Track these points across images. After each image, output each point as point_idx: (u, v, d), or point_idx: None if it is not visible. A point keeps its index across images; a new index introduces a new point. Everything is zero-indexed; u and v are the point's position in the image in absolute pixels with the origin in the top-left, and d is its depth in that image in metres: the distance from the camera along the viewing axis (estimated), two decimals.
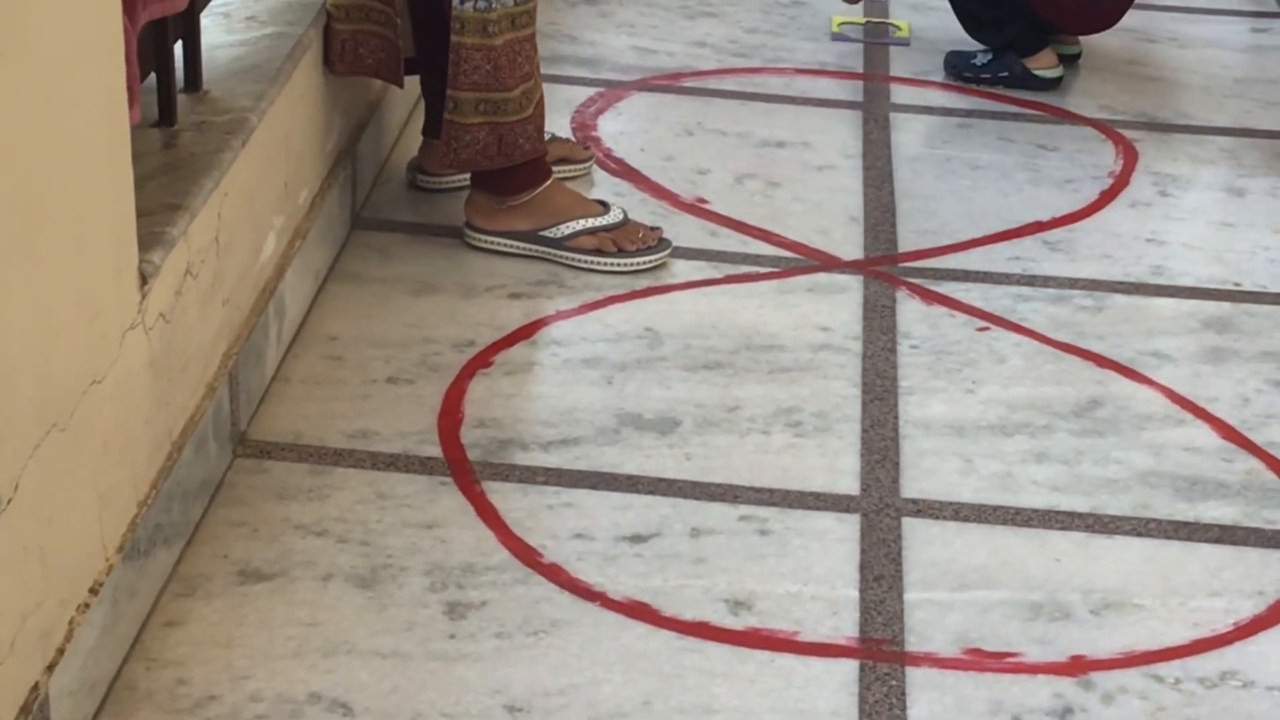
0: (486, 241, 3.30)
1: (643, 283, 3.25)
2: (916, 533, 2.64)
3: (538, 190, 3.27)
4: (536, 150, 3.24)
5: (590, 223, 3.27)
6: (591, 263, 3.26)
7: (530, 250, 3.28)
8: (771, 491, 2.70)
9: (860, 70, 4.26)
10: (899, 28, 4.44)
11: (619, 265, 3.26)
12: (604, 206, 3.32)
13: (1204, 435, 2.92)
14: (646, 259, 3.27)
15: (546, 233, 3.27)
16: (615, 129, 3.86)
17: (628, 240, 3.27)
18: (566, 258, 3.27)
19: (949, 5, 4.29)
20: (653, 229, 3.32)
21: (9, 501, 1.88)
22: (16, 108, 1.85)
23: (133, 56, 2.26)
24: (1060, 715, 2.31)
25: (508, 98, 3.16)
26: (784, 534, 2.61)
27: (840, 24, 4.48)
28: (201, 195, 2.46)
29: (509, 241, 3.29)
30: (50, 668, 2.02)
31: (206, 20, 2.88)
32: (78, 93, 2.02)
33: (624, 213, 3.32)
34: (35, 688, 1.98)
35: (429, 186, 3.51)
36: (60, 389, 2.01)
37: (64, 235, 2.00)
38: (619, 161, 3.72)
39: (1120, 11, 4.20)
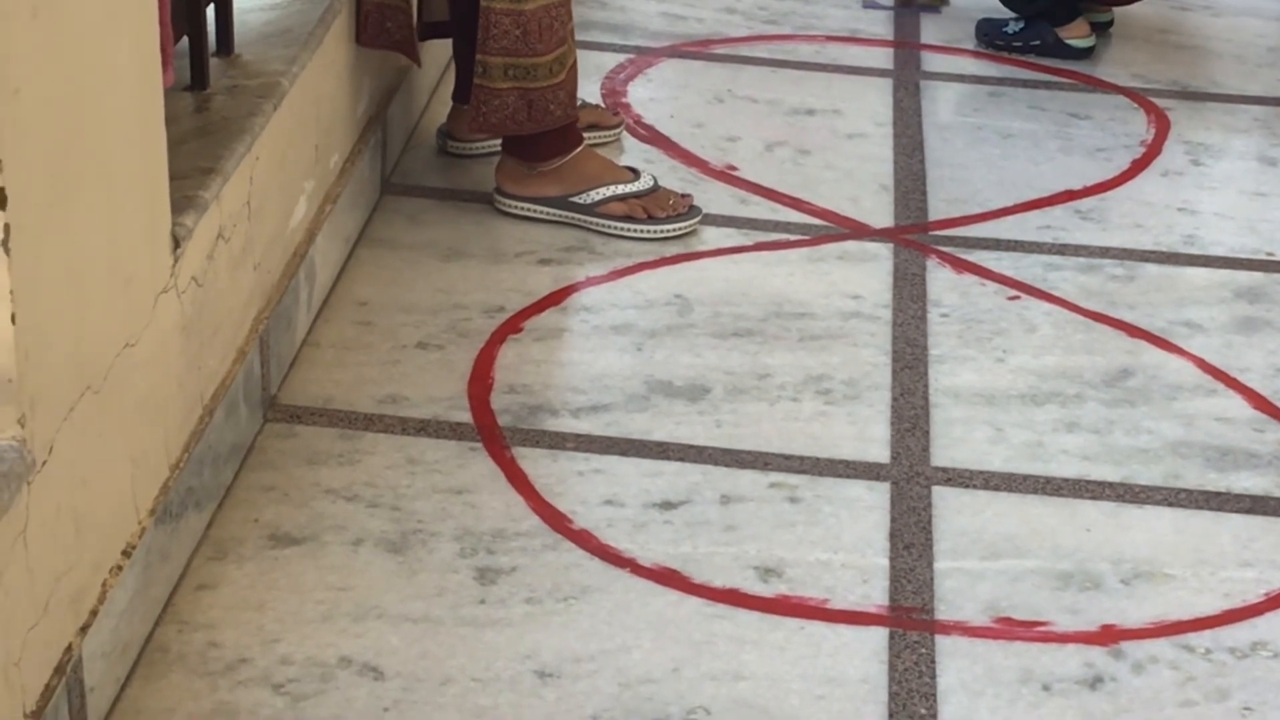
0: (516, 207, 3.30)
1: (672, 250, 3.24)
2: (946, 501, 2.63)
3: (568, 156, 3.27)
4: (568, 116, 3.24)
5: (620, 189, 3.27)
6: (621, 229, 3.26)
7: (560, 216, 3.28)
8: (801, 459, 2.70)
9: (891, 38, 4.24)
10: None
11: (648, 232, 3.25)
12: (634, 173, 3.32)
13: (1235, 405, 2.91)
14: (677, 225, 3.27)
15: (576, 199, 3.27)
16: (645, 95, 3.85)
17: (658, 207, 3.27)
18: (596, 223, 3.26)
19: None
20: (683, 196, 3.32)
21: (43, 464, 1.88)
22: (51, 71, 1.85)
23: (166, 20, 2.26)
24: (1090, 684, 2.31)
25: (537, 63, 3.15)
26: (814, 502, 2.61)
27: None
28: (233, 159, 2.46)
29: (538, 207, 3.29)
30: (83, 629, 2.02)
31: None
32: (111, 56, 2.02)
33: (654, 179, 3.32)
34: (69, 649, 1.99)
35: (459, 152, 3.50)
36: (94, 352, 2.02)
37: (97, 199, 2.01)
38: (649, 128, 3.71)
39: None
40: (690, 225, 3.28)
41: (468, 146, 3.49)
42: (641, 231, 3.25)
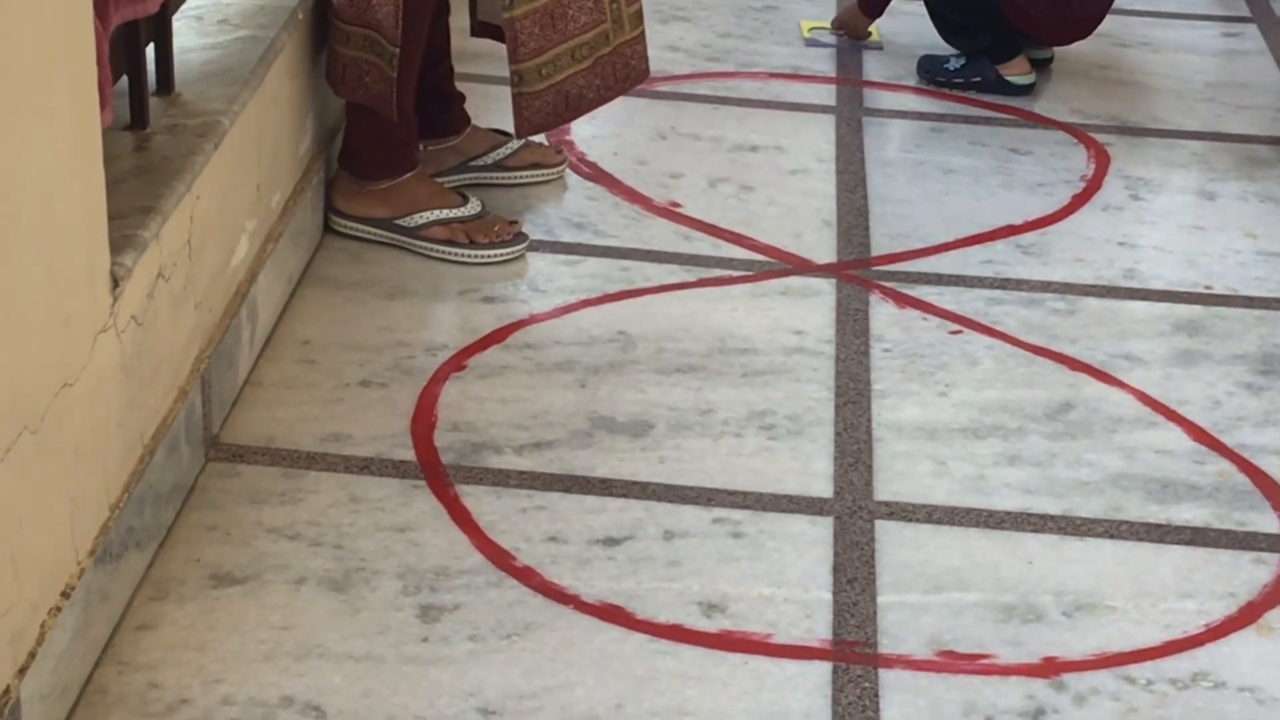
0: (346, 226, 3.34)
1: (615, 286, 3.25)
2: (889, 535, 2.64)
3: (398, 180, 3.31)
4: (604, 99, 3.31)
5: (444, 214, 3.30)
6: (443, 253, 3.28)
7: (384, 237, 3.32)
8: (745, 494, 2.71)
9: (833, 75, 4.27)
10: (869, 33, 4.44)
11: (467, 256, 3.28)
12: (464, 199, 3.35)
13: (1175, 438, 2.93)
14: (499, 252, 3.29)
15: (401, 221, 3.31)
16: (588, 133, 3.86)
17: (480, 233, 3.30)
18: (419, 246, 3.30)
19: (924, 11, 4.30)
20: (511, 223, 3.34)
21: None
22: None
23: (104, 59, 2.26)
24: (1033, 716, 2.31)
25: (560, 52, 3.22)
26: (757, 537, 2.62)
27: (811, 29, 4.48)
28: (174, 198, 2.45)
29: (364, 227, 3.33)
30: (21, 671, 2.01)
31: (179, 23, 2.88)
32: (49, 95, 2.02)
33: (481, 205, 3.36)
34: (6, 691, 1.97)
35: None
36: (31, 392, 2.01)
37: (35, 238, 2.00)
38: (592, 165, 3.72)
39: (1092, 25, 4.21)
40: (514, 252, 3.31)
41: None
42: (462, 256, 3.28)
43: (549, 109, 3.26)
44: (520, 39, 3.18)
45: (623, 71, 3.37)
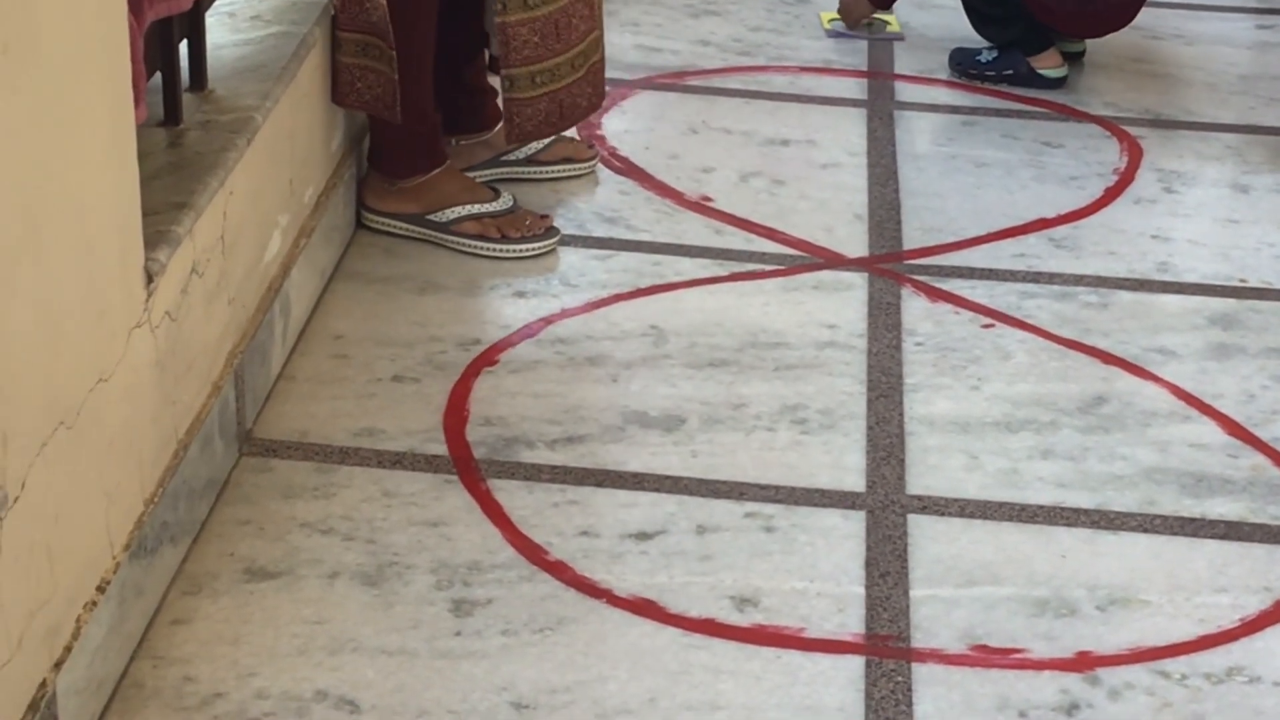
0: (377, 222, 3.34)
1: (647, 280, 3.25)
2: (922, 529, 2.64)
3: (428, 175, 3.31)
4: (593, 106, 3.35)
5: (475, 209, 3.30)
6: (474, 247, 3.28)
7: (416, 232, 3.32)
8: (777, 489, 2.70)
9: (865, 68, 4.26)
10: (888, 22, 4.43)
11: (500, 251, 3.28)
12: (495, 193, 3.35)
13: (1210, 431, 2.92)
14: (531, 246, 3.29)
15: (433, 216, 3.31)
16: (620, 127, 3.86)
17: (512, 227, 3.30)
18: (451, 241, 3.30)
19: (956, 3, 4.29)
20: (542, 217, 3.34)
21: (16, 499, 1.88)
22: (23, 106, 1.85)
23: (138, 55, 2.27)
24: (1067, 711, 2.31)
25: (559, 63, 3.25)
26: (790, 531, 2.61)
27: (830, 20, 4.47)
28: (207, 194, 2.46)
29: (396, 223, 3.33)
30: (57, 665, 2.02)
31: (211, 19, 2.88)
32: (84, 92, 2.03)
33: (513, 199, 3.36)
34: (43, 685, 1.98)
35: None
36: (67, 387, 2.02)
37: (70, 234, 2.01)
38: (623, 160, 3.72)
39: (1121, 21, 4.19)
40: (546, 246, 3.30)
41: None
42: (494, 250, 3.28)
43: (541, 117, 3.29)
44: (513, 44, 3.20)
45: (601, 87, 3.44)
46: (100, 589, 2.14)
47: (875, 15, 4.40)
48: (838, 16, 4.46)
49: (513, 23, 3.19)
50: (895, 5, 4.39)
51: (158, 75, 2.61)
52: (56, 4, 1.92)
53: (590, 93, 3.37)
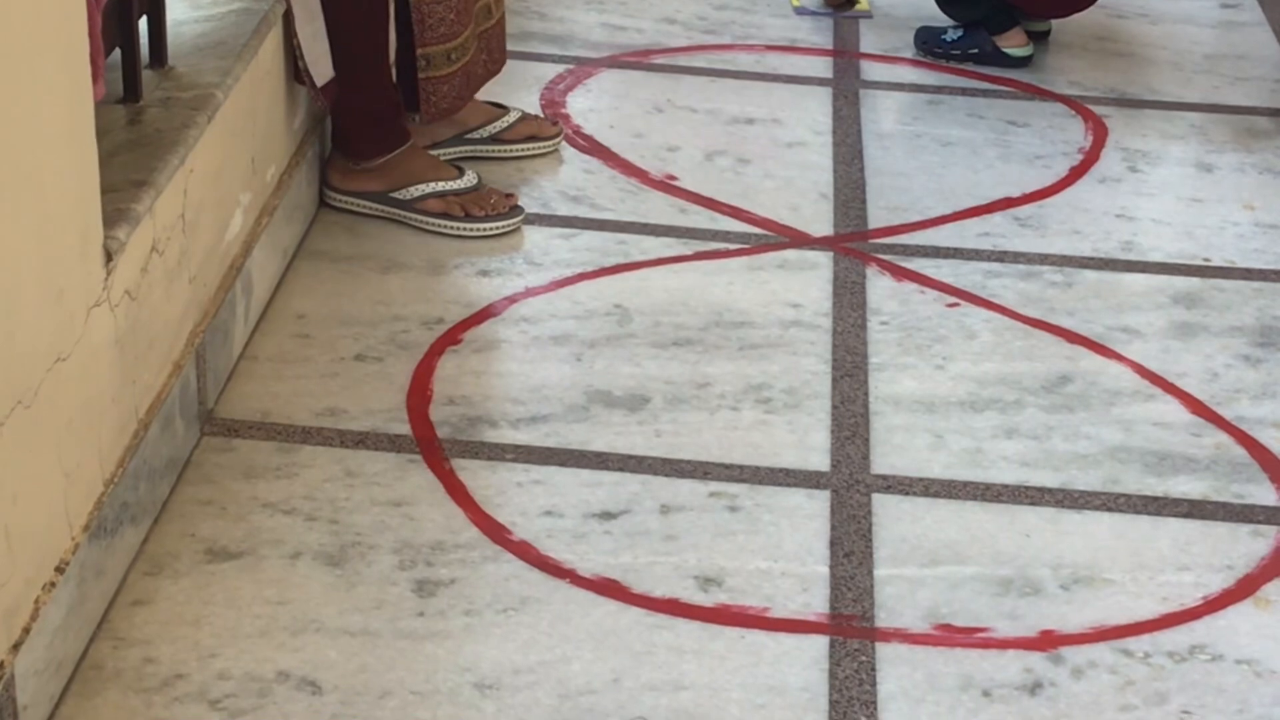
0: (341, 201, 3.33)
1: (612, 259, 3.24)
2: (887, 509, 2.63)
3: (392, 154, 3.30)
4: (491, 73, 3.47)
5: (439, 186, 3.30)
6: (438, 225, 3.28)
7: (380, 210, 3.31)
8: (741, 468, 2.70)
9: (830, 47, 4.25)
10: (858, 0, 4.43)
11: (463, 229, 3.27)
12: (459, 171, 3.34)
13: (1173, 410, 2.92)
14: (494, 225, 3.28)
15: (396, 194, 3.30)
16: (585, 106, 3.85)
17: (476, 205, 3.29)
18: (414, 219, 3.29)
19: None
20: (507, 196, 3.33)
21: None
22: None
23: (96, 32, 2.25)
24: (1030, 689, 2.31)
25: (467, 39, 3.31)
26: (754, 510, 2.61)
27: None
28: (167, 172, 2.44)
29: (361, 201, 3.32)
30: (16, 647, 2.00)
31: None
32: (41, 68, 2.01)
33: (478, 178, 3.35)
34: (1, 667, 1.97)
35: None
36: (25, 366, 2.00)
37: (28, 212, 1.99)
38: (588, 139, 3.70)
39: (1084, 2, 4.19)
40: (509, 225, 3.30)
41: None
42: (458, 229, 3.27)
43: (455, 93, 3.34)
44: (428, 22, 3.23)
45: (497, 52, 3.50)
46: (59, 570, 2.12)
47: None
48: None
49: (428, 0, 3.19)
50: None
51: (117, 52, 2.59)
52: None
53: (485, 60, 3.43)
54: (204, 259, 2.65)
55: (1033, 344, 3.08)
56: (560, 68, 4.02)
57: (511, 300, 3.10)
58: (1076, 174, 3.70)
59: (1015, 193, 3.61)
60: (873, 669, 2.33)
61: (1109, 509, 2.67)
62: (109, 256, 2.24)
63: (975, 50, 4.17)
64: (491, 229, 3.28)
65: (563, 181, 3.53)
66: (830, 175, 3.62)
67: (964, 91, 4.06)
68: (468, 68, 3.35)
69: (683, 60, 4.13)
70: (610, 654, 2.31)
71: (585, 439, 2.74)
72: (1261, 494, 2.73)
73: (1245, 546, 2.61)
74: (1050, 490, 2.70)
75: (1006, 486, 2.70)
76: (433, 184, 3.29)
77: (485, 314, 3.05)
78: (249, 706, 2.19)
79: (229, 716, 2.17)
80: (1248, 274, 3.35)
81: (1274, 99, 4.13)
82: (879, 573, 2.50)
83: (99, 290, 2.21)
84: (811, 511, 2.62)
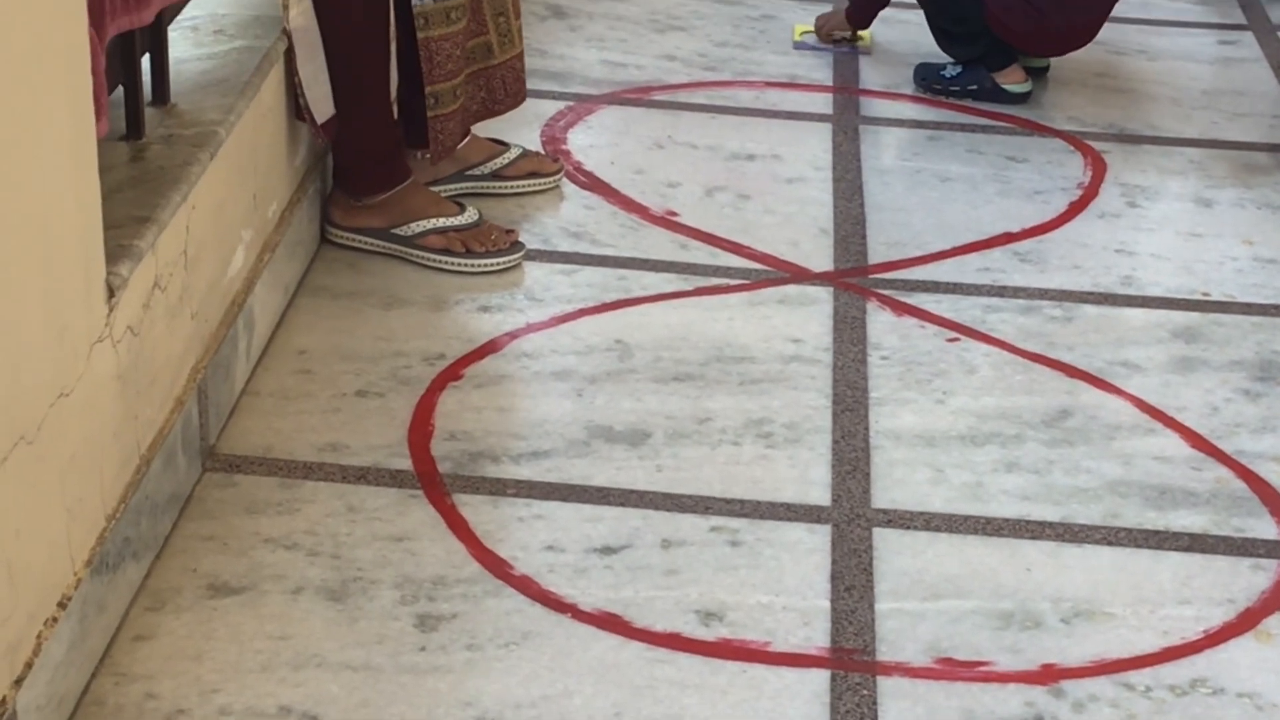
0: (342, 237, 3.34)
1: (612, 295, 3.25)
2: (887, 543, 2.64)
3: (393, 190, 3.31)
4: (485, 112, 3.48)
5: (440, 223, 3.31)
6: (439, 262, 3.29)
7: (382, 247, 3.32)
8: (742, 503, 2.70)
9: (830, 83, 4.27)
10: (861, 37, 4.45)
11: (464, 265, 3.28)
12: (461, 208, 3.35)
13: (1173, 444, 2.92)
14: (495, 261, 3.29)
15: (398, 230, 3.31)
16: (585, 142, 3.86)
17: (477, 242, 3.30)
18: (415, 255, 3.30)
19: (920, 19, 4.31)
20: (508, 232, 3.34)
21: None
22: None
23: (99, 69, 2.26)
24: None
25: (467, 73, 3.35)
26: (755, 545, 2.61)
27: (802, 33, 4.48)
28: (169, 208, 2.45)
29: (362, 238, 3.33)
30: (18, 682, 2.01)
31: (174, 34, 2.87)
32: (44, 105, 2.02)
33: (478, 214, 3.36)
34: (3, 702, 1.97)
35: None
36: (27, 402, 2.00)
37: (31, 248, 2.00)
38: (589, 175, 3.72)
39: (1079, 41, 4.21)
40: (510, 261, 3.31)
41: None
42: (457, 265, 3.28)
43: (458, 129, 3.37)
44: (436, 59, 3.23)
45: (512, 87, 3.51)
46: (61, 605, 2.12)
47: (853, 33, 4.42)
48: (811, 29, 4.47)
49: (436, 38, 3.22)
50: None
51: (120, 89, 2.60)
52: (17, 17, 1.91)
53: (483, 97, 3.46)
54: (206, 295, 2.66)
55: (1033, 378, 3.08)
56: (561, 104, 4.04)
57: (513, 336, 3.11)
58: (1076, 209, 3.71)
59: (1015, 228, 3.62)
60: (874, 703, 2.33)
61: (1110, 543, 2.67)
62: (111, 292, 2.25)
63: (974, 86, 4.19)
64: (492, 265, 3.29)
65: (563, 217, 3.54)
66: (830, 210, 3.64)
67: (963, 127, 4.08)
68: (466, 105, 3.38)
69: (683, 96, 4.14)
70: (612, 688, 2.32)
71: (586, 474, 2.74)
72: (1262, 528, 2.73)
73: (1246, 580, 2.61)
74: (1051, 524, 2.70)
75: (1007, 520, 2.71)
76: (434, 220, 3.30)
77: (486, 349, 3.06)
78: None
79: None
80: (1247, 309, 3.35)
81: (1272, 134, 4.14)
82: (880, 607, 2.50)
83: (101, 326, 2.22)
84: (812, 546, 2.62)
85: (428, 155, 3.47)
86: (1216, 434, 2.95)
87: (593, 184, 3.68)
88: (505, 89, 3.51)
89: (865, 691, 2.34)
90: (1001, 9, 4.07)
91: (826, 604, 2.50)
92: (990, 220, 3.64)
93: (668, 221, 3.55)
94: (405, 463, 2.74)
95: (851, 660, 2.39)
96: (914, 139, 4.04)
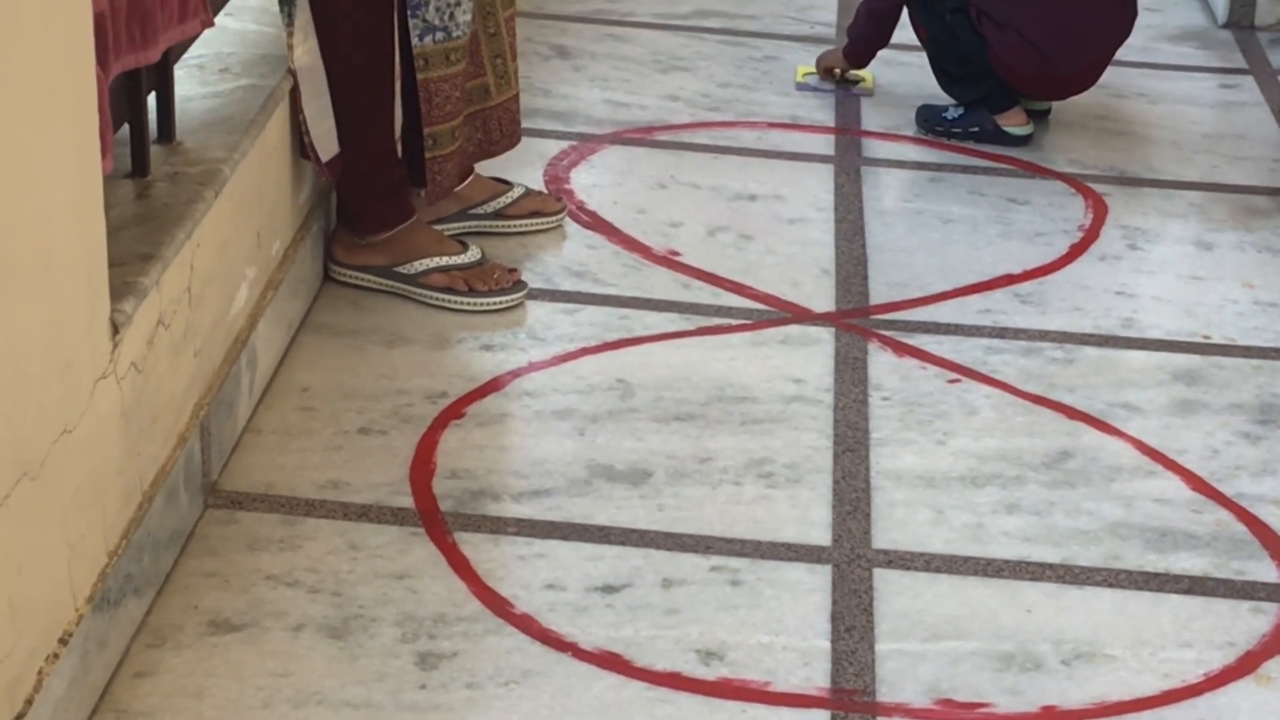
0: (345, 275, 3.35)
1: (614, 334, 3.26)
2: (888, 583, 2.64)
3: (397, 229, 3.32)
4: (482, 154, 3.50)
5: (443, 261, 3.31)
6: (442, 300, 3.29)
7: (385, 285, 3.33)
8: (743, 542, 2.71)
9: (832, 124, 4.28)
10: (863, 79, 4.46)
11: (467, 304, 3.29)
12: (463, 246, 3.36)
13: (1174, 487, 2.93)
14: (497, 300, 3.30)
15: (401, 269, 3.32)
16: (588, 182, 3.88)
17: (480, 281, 3.31)
18: (418, 294, 3.31)
19: (922, 61, 4.33)
20: (510, 271, 3.35)
21: None
22: None
23: (105, 106, 2.27)
24: None
25: (463, 117, 3.35)
26: (756, 585, 2.61)
27: (805, 74, 4.50)
28: (174, 245, 2.46)
29: (365, 275, 3.34)
30: (19, 718, 2.01)
31: (180, 72, 2.89)
32: (50, 142, 2.03)
33: (481, 253, 3.37)
34: None
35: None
36: (31, 438, 2.01)
37: (36, 284, 2.01)
38: (592, 214, 3.73)
39: (1082, 86, 4.23)
40: (512, 300, 3.31)
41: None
42: (462, 304, 3.28)
43: (456, 170, 3.37)
44: (435, 100, 3.24)
45: (508, 129, 3.53)
46: (63, 641, 2.13)
47: (850, 72, 4.43)
48: (813, 70, 4.49)
49: (435, 79, 3.23)
50: (870, 65, 4.41)
51: (125, 127, 2.61)
52: (23, 55, 1.92)
53: (481, 139, 3.47)
54: (209, 332, 2.67)
55: (1033, 420, 3.09)
56: (564, 144, 4.05)
57: (514, 374, 3.11)
58: (1077, 251, 3.72)
59: (1016, 269, 3.63)
60: None
61: (1110, 585, 2.67)
62: (115, 329, 2.26)
63: (976, 129, 4.21)
64: (495, 304, 3.30)
65: (566, 257, 3.55)
66: (832, 251, 3.64)
67: (965, 169, 4.09)
68: (464, 146, 3.39)
69: (685, 137, 4.16)
70: None
71: (587, 513, 2.75)
72: (1262, 571, 2.73)
73: (1246, 623, 2.61)
74: (1051, 566, 2.70)
75: (1008, 562, 2.71)
76: (437, 259, 3.31)
77: (488, 388, 3.06)
78: None
79: None
80: (1247, 352, 3.36)
81: (1273, 178, 4.16)
82: (880, 647, 2.50)
83: (105, 363, 2.23)
84: (813, 586, 2.62)
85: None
86: (1217, 477, 2.96)
87: (595, 223, 3.69)
88: (501, 130, 3.51)
89: None
90: (1007, 52, 4.08)
91: (827, 644, 2.50)
92: (991, 262, 3.65)
93: (670, 261, 3.56)
94: (407, 500, 2.74)
95: (852, 701, 2.39)
96: (916, 180, 4.05)
